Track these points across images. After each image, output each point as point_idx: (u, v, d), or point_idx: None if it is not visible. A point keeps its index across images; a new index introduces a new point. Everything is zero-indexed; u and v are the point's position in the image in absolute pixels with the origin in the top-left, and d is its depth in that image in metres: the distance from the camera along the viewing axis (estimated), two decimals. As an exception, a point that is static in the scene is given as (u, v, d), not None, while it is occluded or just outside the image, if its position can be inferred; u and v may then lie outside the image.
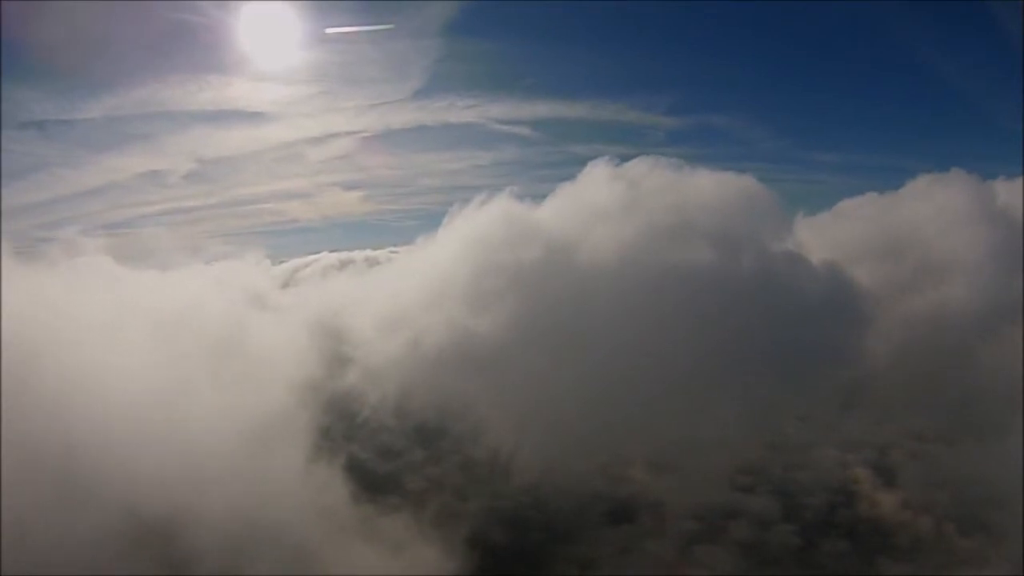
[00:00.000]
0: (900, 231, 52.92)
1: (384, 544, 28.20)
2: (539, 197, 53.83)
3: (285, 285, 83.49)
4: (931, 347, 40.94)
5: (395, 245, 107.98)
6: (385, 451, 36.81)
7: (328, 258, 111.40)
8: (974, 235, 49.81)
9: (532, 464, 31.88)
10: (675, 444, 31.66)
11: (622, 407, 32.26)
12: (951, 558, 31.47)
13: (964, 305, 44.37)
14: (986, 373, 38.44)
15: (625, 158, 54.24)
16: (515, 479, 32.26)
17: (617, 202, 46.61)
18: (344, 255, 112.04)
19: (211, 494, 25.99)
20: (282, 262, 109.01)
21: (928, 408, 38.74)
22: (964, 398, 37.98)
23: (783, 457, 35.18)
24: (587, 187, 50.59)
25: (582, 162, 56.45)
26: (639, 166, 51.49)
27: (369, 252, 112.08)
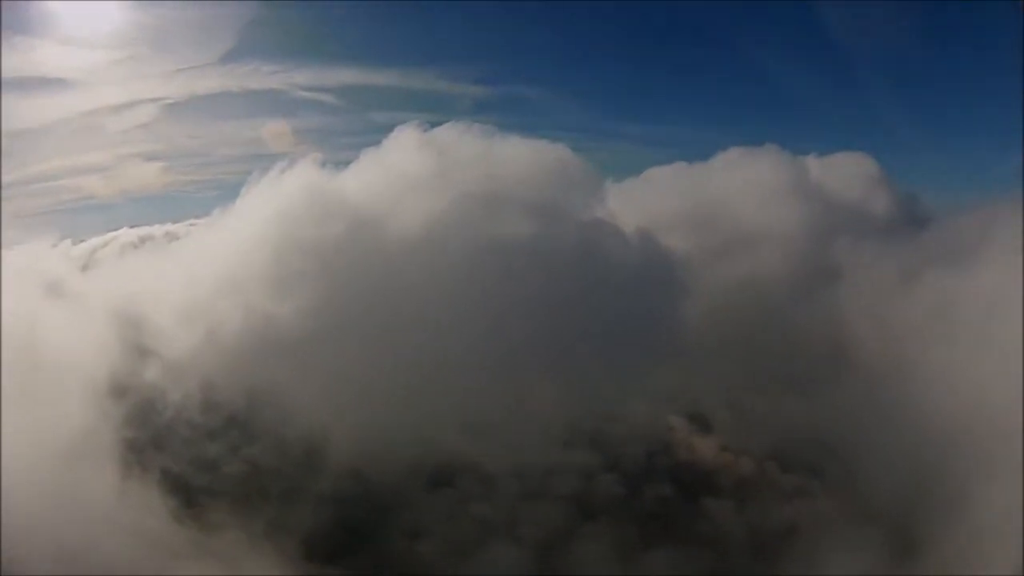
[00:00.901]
0: (710, 200, 54.78)
1: (216, 558, 27.53)
2: (343, 164, 51.83)
3: (85, 267, 79.36)
4: (741, 309, 44.11)
5: (196, 217, 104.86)
6: (195, 453, 34.85)
7: (127, 235, 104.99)
8: (784, 207, 53.44)
9: (349, 445, 32.27)
10: (491, 411, 32.83)
11: (436, 379, 33.23)
12: (776, 493, 34.35)
13: (774, 272, 47.84)
14: (794, 333, 42.00)
15: (434, 125, 52.52)
16: (332, 460, 32.48)
17: (426, 170, 45.77)
18: (144, 231, 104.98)
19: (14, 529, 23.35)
20: (83, 241, 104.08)
21: (740, 364, 41.75)
22: (775, 355, 41.53)
23: (599, 413, 37.22)
24: (394, 153, 49.05)
25: (387, 130, 54.50)
26: (449, 132, 50.70)
27: (169, 226, 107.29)
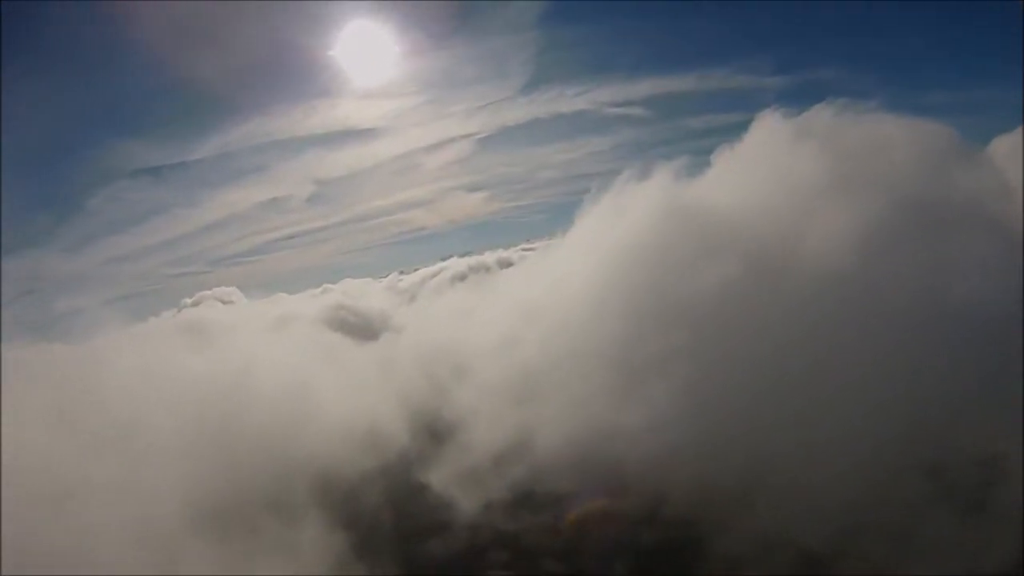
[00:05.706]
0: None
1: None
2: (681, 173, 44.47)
3: (413, 299, 79.90)
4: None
5: (528, 240, 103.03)
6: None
7: (457, 265, 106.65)
8: None
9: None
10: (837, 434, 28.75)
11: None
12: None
13: None
14: None
15: (741, 125, 44.39)
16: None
17: (816, 167, 36.14)
18: (474, 260, 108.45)
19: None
20: (416, 269, 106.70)
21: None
22: None
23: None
24: (763, 151, 39.83)
25: (699, 135, 46.91)
26: (820, 116, 40.57)
27: (500, 253, 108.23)
